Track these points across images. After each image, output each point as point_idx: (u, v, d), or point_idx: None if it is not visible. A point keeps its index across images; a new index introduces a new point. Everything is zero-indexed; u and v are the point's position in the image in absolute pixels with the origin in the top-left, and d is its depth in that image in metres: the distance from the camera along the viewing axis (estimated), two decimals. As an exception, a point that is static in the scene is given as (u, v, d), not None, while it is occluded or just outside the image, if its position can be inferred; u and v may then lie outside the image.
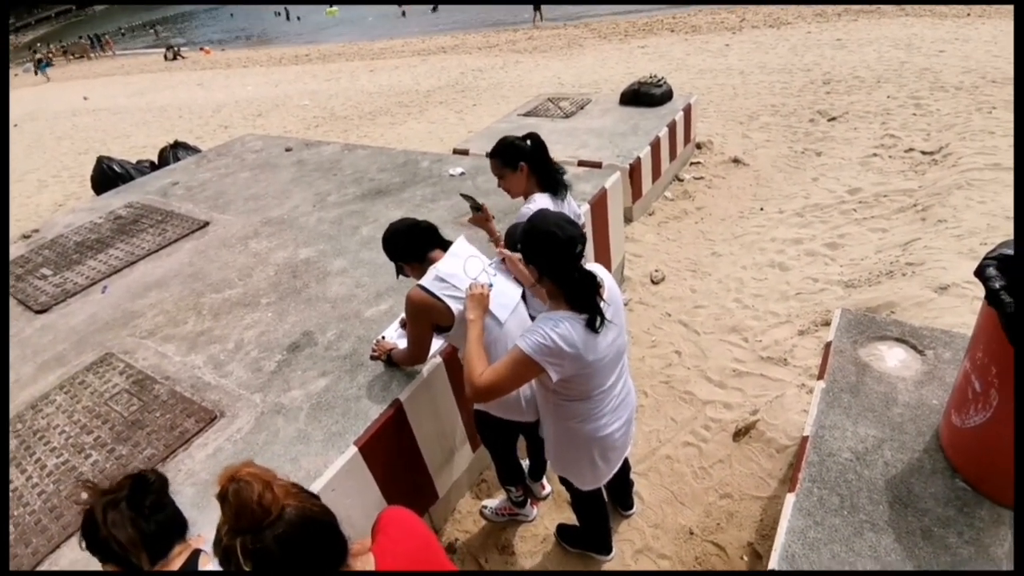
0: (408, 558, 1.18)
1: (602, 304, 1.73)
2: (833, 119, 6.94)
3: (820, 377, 2.16)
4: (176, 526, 1.31)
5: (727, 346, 3.62)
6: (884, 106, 7.04)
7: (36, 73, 26.47)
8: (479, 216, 2.44)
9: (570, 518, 2.73)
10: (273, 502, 0.97)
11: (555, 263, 1.71)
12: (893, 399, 2.11)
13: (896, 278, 3.88)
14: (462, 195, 2.48)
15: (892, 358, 2.30)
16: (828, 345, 2.29)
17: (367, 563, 1.13)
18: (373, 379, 2.45)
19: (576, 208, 2.66)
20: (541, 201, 2.45)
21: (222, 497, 0.98)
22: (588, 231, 3.69)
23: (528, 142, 2.47)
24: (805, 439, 1.93)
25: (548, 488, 2.91)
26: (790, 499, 1.76)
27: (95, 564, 1.31)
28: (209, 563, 1.28)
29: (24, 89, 23.79)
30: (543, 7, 21.36)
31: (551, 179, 2.52)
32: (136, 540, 1.23)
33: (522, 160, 2.44)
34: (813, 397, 2.10)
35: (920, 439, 1.98)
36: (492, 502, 2.84)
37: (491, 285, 2.02)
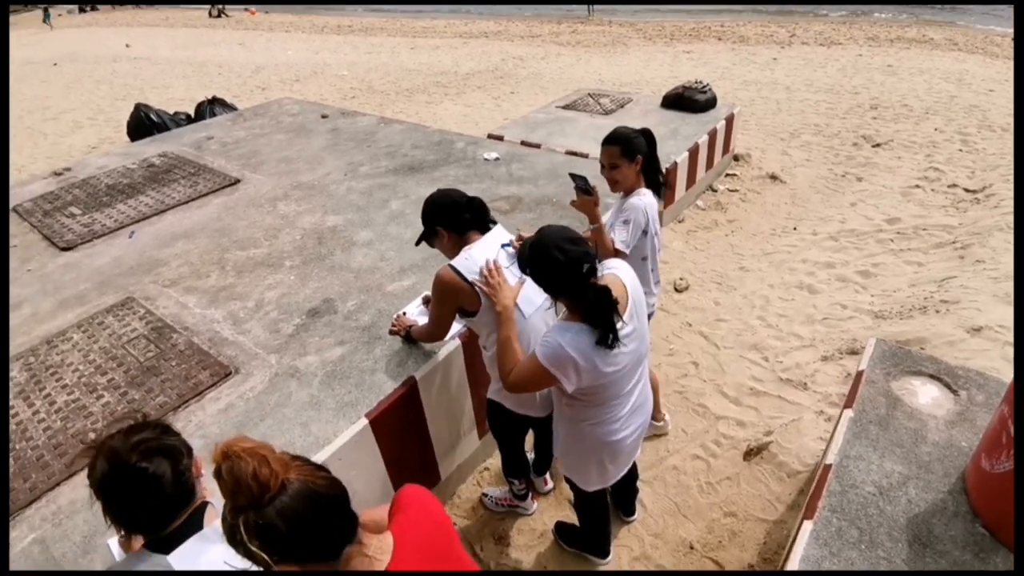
0: (425, 543, 1.14)
1: (620, 321, 1.66)
2: (877, 145, 6.77)
3: (848, 406, 2.09)
4: (179, 502, 1.23)
5: (746, 363, 3.55)
6: (930, 138, 6.86)
7: (44, 21, 25.63)
8: (587, 200, 2.31)
9: (570, 516, 2.70)
10: (271, 476, 0.93)
11: (561, 285, 1.66)
12: (923, 437, 2.04)
13: (929, 314, 3.77)
14: (571, 175, 2.34)
15: (925, 395, 2.22)
16: (860, 374, 2.21)
17: (384, 542, 1.09)
18: (390, 354, 2.43)
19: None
20: (648, 197, 2.38)
21: (217, 474, 0.94)
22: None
23: (643, 137, 2.36)
24: (828, 467, 1.87)
25: (551, 484, 2.87)
26: (807, 526, 1.71)
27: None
28: (216, 516, 1.25)
29: (66, 29, 24.07)
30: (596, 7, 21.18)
31: (657, 178, 2.45)
32: (123, 524, 1.20)
33: (640, 153, 2.34)
34: (839, 425, 2.03)
35: (946, 480, 1.92)
36: (493, 491, 2.81)
37: (522, 279, 1.97)
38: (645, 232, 2.40)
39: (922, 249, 4.64)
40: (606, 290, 1.61)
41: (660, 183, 2.47)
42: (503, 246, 2.01)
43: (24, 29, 24.38)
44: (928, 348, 3.36)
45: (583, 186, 2.28)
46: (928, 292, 4.01)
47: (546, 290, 1.73)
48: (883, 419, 2.05)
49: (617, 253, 2.33)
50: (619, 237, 2.34)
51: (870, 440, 1.97)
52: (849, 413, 2.04)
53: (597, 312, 1.62)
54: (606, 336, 1.63)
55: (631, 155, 2.33)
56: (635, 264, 2.45)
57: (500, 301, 1.87)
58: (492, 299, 1.88)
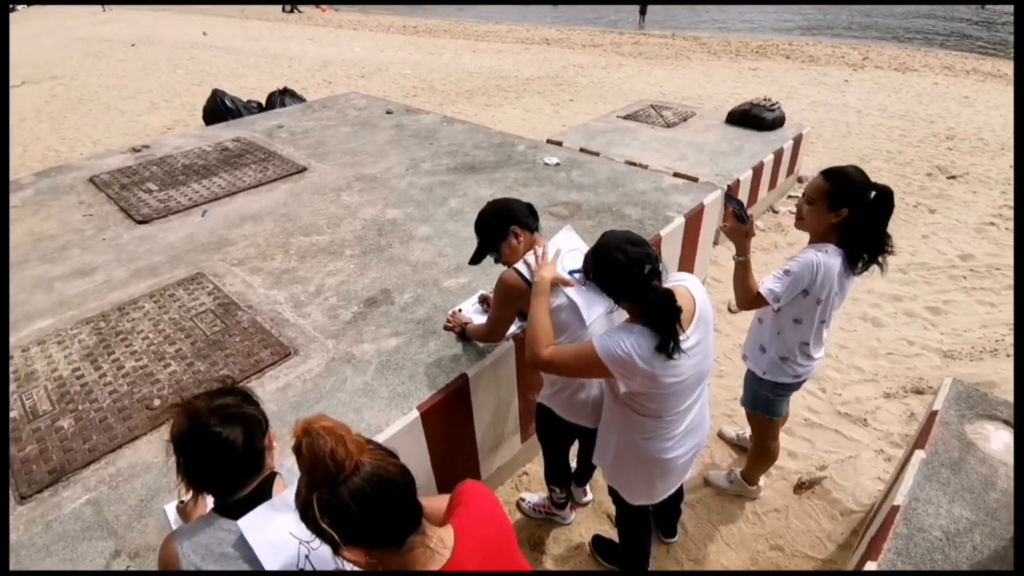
0: (486, 541, 1.14)
1: (683, 332, 1.63)
2: (953, 177, 6.47)
3: (920, 446, 2.00)
4: (249, 469, 1.25)
5: (802, 392, 3.40)
6: (1007, 175, 6.51)
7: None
8: (739, 227, 2.01)
9: (607, 531, 2.65)
10: (346, 457, 0.96)
11: (623, 287, 1.65)
12: (993, 483, 1.93)
13: (1000, 358, 3.57)
14: (728, 197, 2.05)
15: (997, 440, 2.11)
16: (934, 414, 2.11)
17: (447, 535, 1.09)
18: (443, 349, 2.44)
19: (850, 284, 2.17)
20: (830, 257, 1.99)
21: (296, 449, 0.98)
22: (678, 247, 3.57)
23: (874, 193, 1.95)
24: (895, 508, 1.79)
25: (590, 496, 2.84)
26: (870, 567, 1.63)
27: (153, 467, 1.30)
28: (284, 487, 1.28)
29: (142, 11, 25.46)
30: (647, 13, 21.17)
31: (866, 247, 2.01)
32: (194, 482, 1.23)
33: (849, 207, 1.94)
34: (910, 466, 1.94)
35: (1010, 528, 1.83)
36: (531, 497, 2.80)
37: (585, 284, 1.95)
38: (806, 293, 2.04)
39: (995, 289, 4.39)
40: (669, 294, 1.59)
41: (865, 257, 2.02)
42: (571, 251, 2.00)
43: (92, 7, 26.15)
44: (997, 392, 3.16)
45: (738, 211, 1.98)
46: (1000, 335, 3.80)
47: (609, 294, 1.72)
48: (955, 463, 1.95)
49: (759, 299, 2.07)
50: (769, 284, 2.04)
51: (941, 483, 1.88)
52: (921, 454, 1.95)
53: (658, 316, 1.60)
54: (667, 342, 1.59)
55: (836, 202, 1.94)
56: (784, 323, 2.18)
57: (537, 273, 1.87)
58: (533, 271, 1.89)
